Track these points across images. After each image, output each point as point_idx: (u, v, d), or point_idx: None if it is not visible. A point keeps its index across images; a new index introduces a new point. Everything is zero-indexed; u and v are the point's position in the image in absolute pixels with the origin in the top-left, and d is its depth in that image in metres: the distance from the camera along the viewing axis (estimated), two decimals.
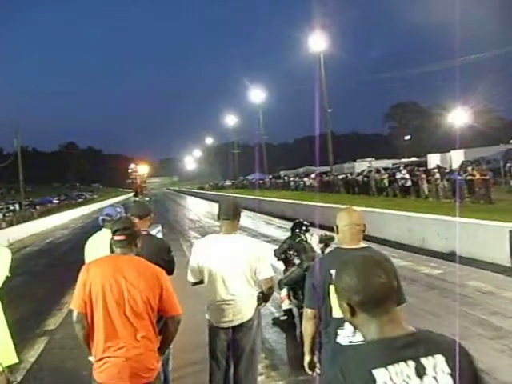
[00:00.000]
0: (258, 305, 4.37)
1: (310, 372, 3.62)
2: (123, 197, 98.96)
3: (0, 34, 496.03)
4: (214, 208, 4.40)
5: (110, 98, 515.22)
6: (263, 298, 4.36)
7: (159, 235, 8.66)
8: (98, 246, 4.77)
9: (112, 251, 3.76)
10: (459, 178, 25.16)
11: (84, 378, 5.53)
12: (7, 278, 3.71)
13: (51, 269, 17.28)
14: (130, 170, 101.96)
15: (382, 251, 3.94)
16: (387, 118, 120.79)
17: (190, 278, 4.39)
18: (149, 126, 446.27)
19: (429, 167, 39.00)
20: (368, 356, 1.67)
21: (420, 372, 1.62)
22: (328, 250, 6.60)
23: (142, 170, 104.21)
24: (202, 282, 4.34)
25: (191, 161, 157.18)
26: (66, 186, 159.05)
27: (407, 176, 31.25)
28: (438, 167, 32.76)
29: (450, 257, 12.18)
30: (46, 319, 9.84)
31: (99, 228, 5.37)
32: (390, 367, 1.61)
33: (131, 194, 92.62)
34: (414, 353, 1.65)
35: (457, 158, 41.07)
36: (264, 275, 4.25)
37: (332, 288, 3.36)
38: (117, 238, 3.62)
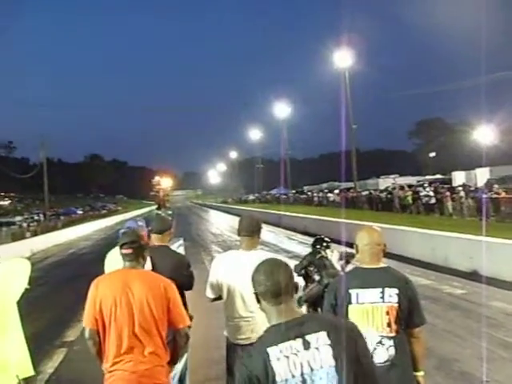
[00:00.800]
0: None
1: None
2: (146, 209, 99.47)
3: (20, 44, 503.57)
4: (237, 222, 4.39)
5: (135, 111, 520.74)
6: None
7: (181, 249, 8.68)
8: (118, 259, 4.77)
9: None
10: (484, 196, 24.86)
11: None
12: (26, 289, 3.73)
13: (73, 279, 17.35)
14: (153, 183, 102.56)
15: (404, 269, 3.89)
16: (412, 135, 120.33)
17: (209, 294, 4.36)
18: (173, 139, 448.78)
19: (453, 185, 38.59)
20: (266, 338, 2.16)
21: (306, 345, 2.10)
22: (349, 266, 6.55)
23: (165, 182, 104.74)
24: (220, 298, 4.31)
25: (215, 174, 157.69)
26: (91, 196, 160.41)
27: (431, 193, 30.98)
28: (464, 185, 32.42)
29: (472, 276, 12.04)
30: (65, 330, 9.88)
31: None
32: (280, 345, 2.09)
33: (154, 207, 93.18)
34: (301, 331, 2.12)
35: (482, 175, 40.51)
36: None
37: (351, 308, 3.33)
38: (124, 251, 3.66)
